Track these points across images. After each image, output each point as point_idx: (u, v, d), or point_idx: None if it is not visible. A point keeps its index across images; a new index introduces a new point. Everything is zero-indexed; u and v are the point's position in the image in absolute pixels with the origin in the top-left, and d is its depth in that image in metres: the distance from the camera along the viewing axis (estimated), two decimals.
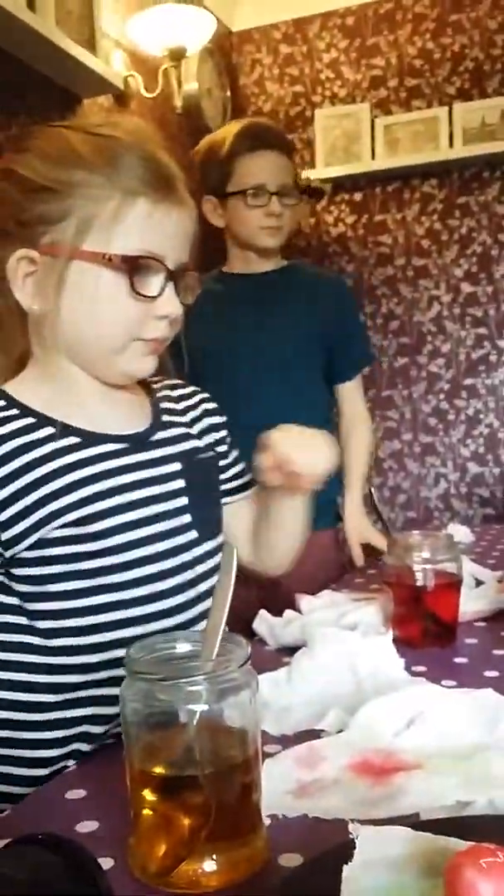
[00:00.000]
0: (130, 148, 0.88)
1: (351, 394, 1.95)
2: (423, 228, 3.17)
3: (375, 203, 3.21)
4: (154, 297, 0.89)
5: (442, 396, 3.20)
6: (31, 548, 0.88)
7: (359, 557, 1.84)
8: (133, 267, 0.87)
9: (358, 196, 3.23)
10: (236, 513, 1.13)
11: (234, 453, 1.15)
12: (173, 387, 1.11)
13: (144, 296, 0.89)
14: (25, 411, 0.91)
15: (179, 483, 0.98)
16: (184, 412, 1.08)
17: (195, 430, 1.08)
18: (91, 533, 0.88)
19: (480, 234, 3.11)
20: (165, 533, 0.95)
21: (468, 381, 3.16)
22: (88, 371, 0.94)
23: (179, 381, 1.12)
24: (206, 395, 1.15)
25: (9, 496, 0.87)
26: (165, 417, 1.03)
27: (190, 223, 0.94)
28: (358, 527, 1.89)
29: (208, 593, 0.97)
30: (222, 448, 1.13)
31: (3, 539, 0.87)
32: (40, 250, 0.88)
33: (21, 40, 1.88)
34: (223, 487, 1.12)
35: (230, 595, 0.66)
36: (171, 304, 0.91)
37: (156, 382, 1.07)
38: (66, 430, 0.91)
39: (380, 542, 1.80)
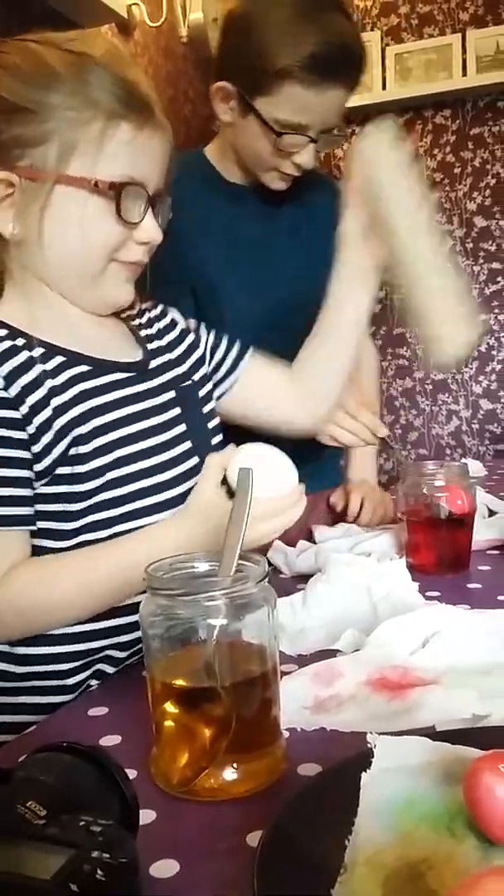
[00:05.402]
0: (107, 67, 0.86)
1: None
2: (436, 161, 3.11)
3: None
4: (137, 223, 0.90)
5: None
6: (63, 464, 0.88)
7: (352, 514, 1.47)
8: (119, 193, 0.87)
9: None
10: (257, 372, 1.14)
11: (211, 338, 1.13)
12: (140, 312, 1.07)
13: (129, 222, 0.89)
14: (31, 340, 0.88)
15: (176, 411, 0.99)
16: (160, 334, 1.07)
17: (175, 353, 1.06)
18: (95, 468, 0.88)
19: (494, 166, 3.05)
20: (167, 463, 0.95)
21: (481, 317, 3.12)
22: (70, 299, 0.93)
23: (145, 306, 1.09)
24: (172, 312, 1.13)
25: (41, 425, 0.85)
26: (149, 346, 1.03)
27: (168, 148, 0.92)
28: (362, 486, 1.54)
29: None
30: (209, 346, 1.12)
31: (36, 471, 0.86)
32: (19, 173, 0.85)
33: None
34: (226, 367, 1.12)
35: (247, 513, 0.66)
36: (152, 231, 0.92)
37: (123, 313, 1.04)
38: (76, 357, 0.90)
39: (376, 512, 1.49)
